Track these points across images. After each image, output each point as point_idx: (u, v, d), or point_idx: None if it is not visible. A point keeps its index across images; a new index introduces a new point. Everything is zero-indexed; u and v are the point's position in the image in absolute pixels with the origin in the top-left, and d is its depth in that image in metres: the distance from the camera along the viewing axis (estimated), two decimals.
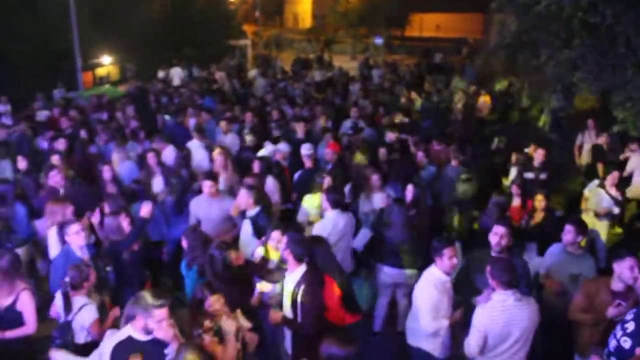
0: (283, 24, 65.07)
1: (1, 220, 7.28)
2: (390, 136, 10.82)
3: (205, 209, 7.37)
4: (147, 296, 4.36)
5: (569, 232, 6.08)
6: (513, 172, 9.80)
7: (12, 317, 5.42)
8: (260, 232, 6.61)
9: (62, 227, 6.21)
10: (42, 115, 13.62)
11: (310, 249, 5.46)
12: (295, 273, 5.31)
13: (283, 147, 9.71)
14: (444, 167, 9.60)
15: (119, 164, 9.29)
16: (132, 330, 4.41)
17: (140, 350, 4.36)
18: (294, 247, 5.26)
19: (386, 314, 7.36)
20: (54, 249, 6.57)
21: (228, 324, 4.72)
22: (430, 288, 5.36)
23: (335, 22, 42.37)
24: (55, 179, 7.86)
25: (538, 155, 9.39)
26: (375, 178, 8.06)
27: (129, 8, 27.05)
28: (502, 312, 4.94)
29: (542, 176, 9.26)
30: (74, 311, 5.27)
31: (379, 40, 35.64)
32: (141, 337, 4.40)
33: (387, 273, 6.97)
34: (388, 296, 7.25)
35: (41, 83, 17.44)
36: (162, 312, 4.30)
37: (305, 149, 9.08)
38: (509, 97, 17.83)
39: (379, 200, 7.99)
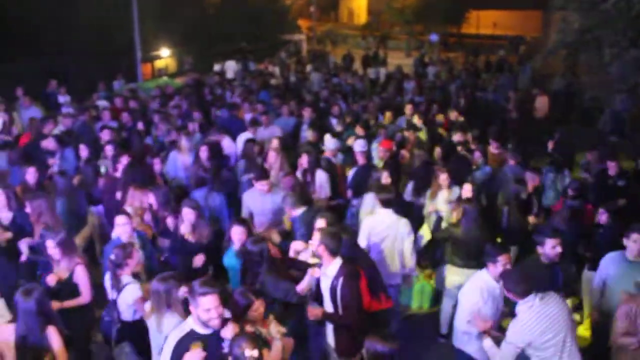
0: (338, 19, 65.00)
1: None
2: (458, 137, 10.59)
3: (259, 202, 7.41)
4: (194, 285, 4.37)
5: (635, 241, 5.85)
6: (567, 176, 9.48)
7: (69, 290, 5.85)
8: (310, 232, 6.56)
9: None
10: (102, 105, 13.96)
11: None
12: (331, 267, 5.32)
13: (331, 143, 9.62)
14: (499, 167, 9.41)
15: (188, 154, 9.44)
16: (193, 324, 4.42)
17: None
18: (328, 241, 5.25)
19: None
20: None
21: (273, 328, 4.73)
22: (476, 293, 5.33)
23: (391, 19, 42.05)
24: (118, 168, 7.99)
25: (611, 166, 8.98)
26: (443, 177, 8.01)
27: (187, 2, 27.57)
28: (536, 318, 4.86)
29: (620, 183, 8.84)
30: (120, 289, 5.50)
31: (434, 38, 35.23)
32: (202, 330, 4.38)
33: (455, 274, 6.88)
34: (453, 298, 6.99)
35: (102, 74, 17.91)
36: (207, 300, 4.25)
37: (359, 146, 9.03)
38: (569, 97, 17.34)
39: (443, 199, 7.91)
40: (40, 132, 10.61)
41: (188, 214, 6.54)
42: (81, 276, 5.86)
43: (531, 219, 7.94)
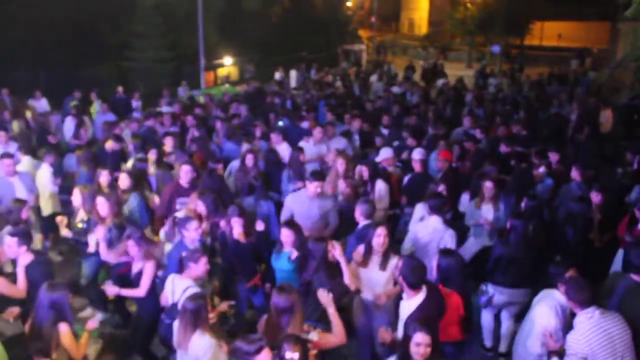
0: (398, 29, 64.92)
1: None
2: (504, 148, 10.53)
3: (305, 205, 7.38)
4: (241, 347, 4.11)
5: None
6: (636, 191, 9.10)
7: (137, 280, 6.14)
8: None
9: (181, 220, 6.58)
10: (166, 111, 14.38)
11: (439, 262, 5.51)
12: (413, 301, 5.12)
13: (387, 152, 9.65)
14: (563, 182, 9.16)
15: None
16: None
17: None
18: (407, 273, 5.09)
19: (494, 328, 7.11)
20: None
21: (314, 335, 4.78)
22: (552, 314, 5.22)
23: (452, 29, 41.74)
24: (189, 174, 8.17)
25: None
26: (489, 187, 7.85)
27: (250, 12, 28.16)
28: (595, 330, 4.76)
29: None
30: (180, 293, 5.57)
31: (496, 49, 34.78)
32: None
33: (498, 291, 6.70)
34: (493, 312, 7.00)
35: (168, 81, 18.51)
36: (262, 357, 4.10)
37: (417, 154, 9.05)
38: (636, 112, 16.78)
39: (489, 211, 7.83)
40: (110, 136, 11.03)
41: (237, 221, 6.70)
42: (147, 272, 6.09)
43: (592, 237, 7.64)
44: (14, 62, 18.95)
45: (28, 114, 13.57)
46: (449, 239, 6.65)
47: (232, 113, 13.45)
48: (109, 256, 6.73)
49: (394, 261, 5.76)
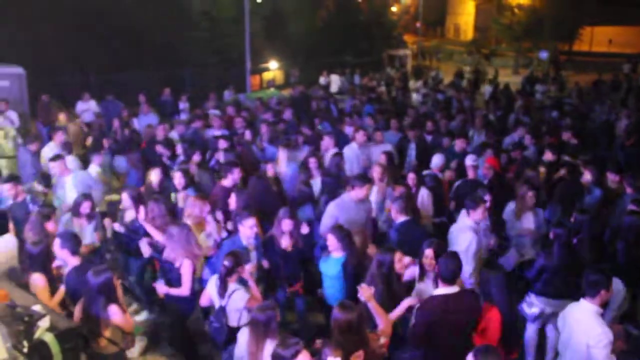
0: (444, 35, 64.53)
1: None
2: (548, 155, 10.32)
3: (353, 211, 7.31)
4: (278, 351, 4.26)
5: None
6: None
7: (177, 278, 6.26)
8: (403, 243, 6.57)
9: (237, 216, 6.68)
10: (212, 114, 14.60)
11: (483, 276, 5.43)
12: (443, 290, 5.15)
13: (438, 159, 9.62)
14: (615, 193, 8.93)
15: (285, 166, 9.63)
16: None
17: None
18: (443, 268, 5.09)
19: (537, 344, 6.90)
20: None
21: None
22: (599, 323, 5.02)
23: (499, 35, 41.25)
24: (234, 176, 8.29)
25: None
26: (529, 196, 7.71)
27: (296, 17, 28.42)
28: None
29: None
30: (227, 296, 5.67)
31: (544, 55, 34.21)
32: None
33: (542, 302, 6.55)
34: (537, 326, 6.80)
35: (214, 84, 18.81)
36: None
37: (470, 160, 9.02)
38: None
39: (529, 221, 7.71)
40: (153, 137, 11.28)
41: (287, 224, 6.73)
42: (186, 270, 6.19)
43: None
44: (64, 66, 19.53)
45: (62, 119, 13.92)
46: (464, 240, 6.52)
47: (279, 118, 13.57)
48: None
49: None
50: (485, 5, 53.08)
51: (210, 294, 5.91)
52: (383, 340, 4.92)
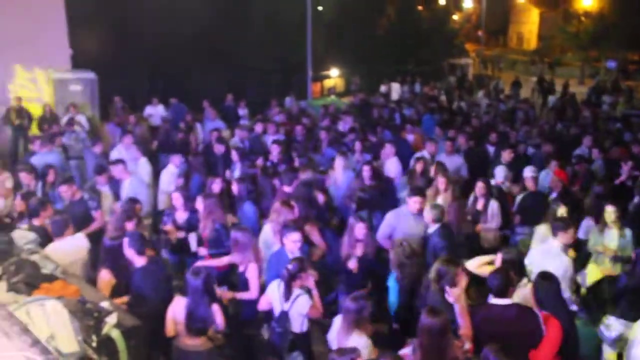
0: (506, 43, 63.38)
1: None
2: (625, 168, 10.00)
3: (410, 223, 7.23)
4: (333, 355, 4.39)
5: None
6: None
7: (243, 282, 6.38)
8: (437, 251, 6.50)
9: (283, 229, 6.66)
10: (274, 120, 14.75)
11: (536, 284, 5.30)
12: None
13: (501, 171, 9.43)
14: None
15: (342, 173, 9.62)
16: None
17: None
18: (492, 280, 5.08)
19: None
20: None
21: None
22: None
23: (564, 44, 40.17)
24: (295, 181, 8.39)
25: None
26: (610, 211, 7.41)
27: (357, 25, 28.47)
28: None
29: None
30: (291, 301, 5.66)
31: (612, 64, 33.09)
32: None
33: (622, 325, 6.19)
34: (615, 349, 6.38)
35: (275, 91, 19.03)
36: None
37: (529, 171, 8.81)
38: None
39: (612, 237, 7.42)
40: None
41: (361, 229, 6.69)
42: (252, 274, 6.28)
43: None
44: (134, 71, 20.17)
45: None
46: (560, 265, 6.28)
47: (339, 125, 13.61)
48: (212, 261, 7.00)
49: (523, 282, 5.64)
50: (551, 13, 51.88)
51: (270, 299, 5.90)
52: (468, 345, 4.84)
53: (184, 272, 7.88)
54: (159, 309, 5.70)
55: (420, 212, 7.20)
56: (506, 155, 10.42)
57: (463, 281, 5.38)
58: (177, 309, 5.52)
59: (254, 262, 6.34)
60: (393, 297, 6.31)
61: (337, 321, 5.20)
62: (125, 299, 5.91)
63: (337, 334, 5.04)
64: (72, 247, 6.62)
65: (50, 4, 15.32)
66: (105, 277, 6.08)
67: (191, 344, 5.51)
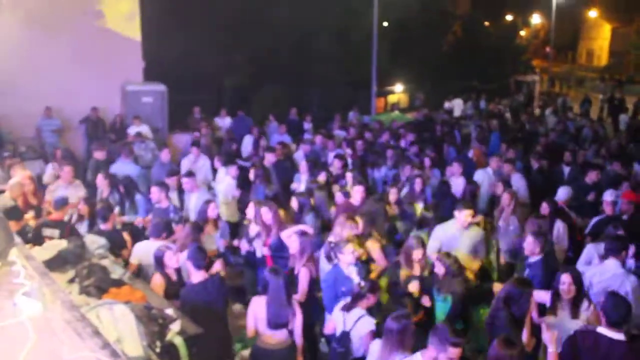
0: (575, 60, 61.65)
1: None
2: None
3: (454, 237, 7.24)
4: (446, 330, 4.43)
5: None
6: None
7: (295, 283, 6.50)
8: (544, 281, 6.27)
9: (336, 244, 6.67)
10: (338, 134, 14.86)
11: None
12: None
13: (564, 192, 9.18)
14: None
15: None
16: None
17: None
18: (609, 309, 4.73)
19: None
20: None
21: None
22: None
23: (637, 61, 38.79)
24: (360, 194, 8.44)
25: None
26: None
27: (423, 40, 28.38)
28: None
29: None
30: (353, 322, 5.60)
31: None
32: None
33: None
34: None
35: (340, 105, 19.18)
36: (456, 351, 4.34)
37: (609, 195, 8.54)
38: None
39: None
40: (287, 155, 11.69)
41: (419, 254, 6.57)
42: (303, 277, 6.44)
43: None
44: (203, 85, 20.74)
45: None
46: (629, 285, 6.11)
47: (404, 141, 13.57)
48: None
49: (586, 306, 5.47)
50: (623, 29, 50.21)
51: (335, 321, 5.88)
52: None
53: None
54: (210, 326, 5.78)
55: (468, 226, 7.21)
56: (593, 176, 10.12)
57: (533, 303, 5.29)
58: (258, 307, 5.71)
59: (307, 267, 6.48)
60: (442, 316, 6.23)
61: (376, 346, 5.04)
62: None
63: (381, 356, 4.85)
64: None
65: (126, 20, 15.91)
66: (158, 281, 6.30)
67: (273, 342, 5.71)
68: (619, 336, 4.64)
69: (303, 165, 10.49)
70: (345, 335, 5.63)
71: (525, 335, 5.30)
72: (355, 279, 6.19)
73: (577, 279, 5.55)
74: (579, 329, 5.04)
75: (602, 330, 4.72)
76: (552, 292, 5.67)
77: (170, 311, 5.39)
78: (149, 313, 5.24)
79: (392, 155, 11.47)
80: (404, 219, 8.73)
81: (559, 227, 7.84)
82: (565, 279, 5.52)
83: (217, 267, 6.73)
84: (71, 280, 5.40)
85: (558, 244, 7.71)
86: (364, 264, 6.93)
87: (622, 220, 8.15)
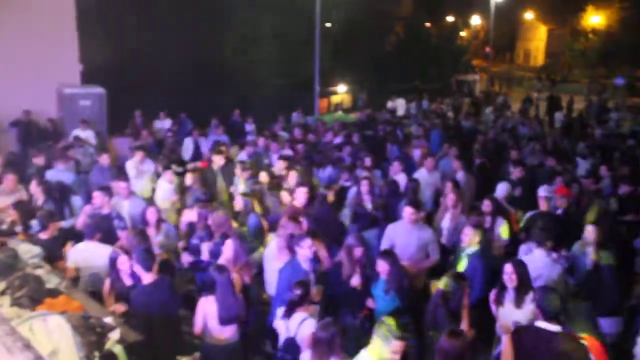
0: (513, 60, 63.51)
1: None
2: (625, 189, 9.91)
3: (404, 235, 7.31)
4: (390, 323, 4.48)
5: None
6: None
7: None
8: (484, 271, 6.46)
9: (292, 238, 6.66)
10: (281, 135, 14.80)
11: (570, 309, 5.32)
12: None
13: (503, 189, 9.41)
14: None
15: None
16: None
17: None
18: (543, 304, 4.89)
19: None
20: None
21: None
22: None
23: (571, 61, 40.24)
24: (304, 195, 8.39)
25: None
26: (589, 231, 7.20)
27: (365, 41, 28.63)
28: None
29: None
30: (296, 326, 5.53)
31: (619, 81, 32.97)
32: None
33: None
34: None
35: (283, 107, 19.16)
36: (399, 344, 4.39)
37: (543, 191, 8.74)
38: None
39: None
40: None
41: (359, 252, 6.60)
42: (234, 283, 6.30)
43: None
44: (143, 87, 20.29)
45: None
46: (555, 273, 6.37)
47: (342, 141, 13.62)
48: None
49: (531, 297, 5.55)
50: (558, 31, 52.01)
51: (278, 329, 5.82)
52: None
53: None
54: (161, 325, 5.74)
55: (416, 225, 7.31)
56: (517, 172, 10.39)
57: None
58: (207, 306, 5.72)
59: (239, 276, 6.36)
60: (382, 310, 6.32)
61: (306, 356, 4.97)
62: (123, 307, 5.96)
63: None
64: (100, 253, 6.71)
65: (62, 21, 15.48)
66: (108, 287, 6.21)
67: (222, 338, 5.75)
68: (556, 328, 4.80)
69: (239, 168, 10.40)
70: (291, 342, 5.56)
71: (464, 327, 5.44)
72: (311, 274, 6.27)
73: (519, 269, 5.72)
74: (519, 325, 5.19)
75: (541, 324, 4.87)
76: (498, 284, 5.84)
77: (109, 319, 5.27)
78: (87, 322, 5.10)
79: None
80: (354, 220, 8.76)
81: (500, 223, 8.01)
82: (507, 268, 5.72)
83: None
84: (2, 293, 5.20)
85: (498, 240, 7.89)
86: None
87: (554, 215, 8.42)
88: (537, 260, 6.50)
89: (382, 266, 6.22)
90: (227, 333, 5.77)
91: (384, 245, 7.39)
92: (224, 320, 5.66)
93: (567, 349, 4.65)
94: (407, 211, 7.31)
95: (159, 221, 7.93)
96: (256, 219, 8.19)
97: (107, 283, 6.24)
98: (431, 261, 7.38)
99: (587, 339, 4.89)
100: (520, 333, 4.90)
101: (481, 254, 6.72)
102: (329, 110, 25.05)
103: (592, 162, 12.31)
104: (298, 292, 5.61)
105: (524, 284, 5.70)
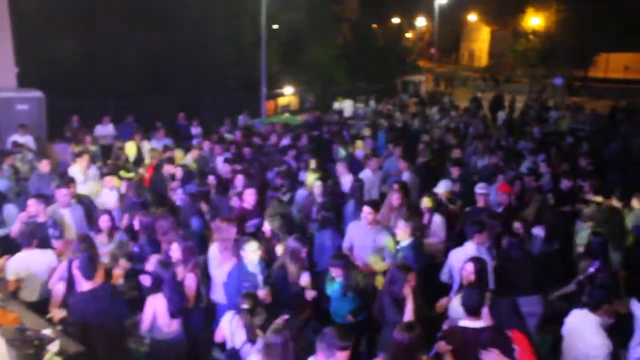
0: (458, 61, 64.78)
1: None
2: (566, 183, 10.27)
3: (361, 235, 7.36)
4: (333, 334, 4.35)
5: None
6: None
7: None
8: (417, 262, 6.64)
9: (241, 240, 6.52)
10: (228, 138, 14.67)
11: (494, 304, 5.33)
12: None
13: (444, 185, 9.58)
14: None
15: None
16: None
17: None
18: (465, 300, 4.96)
19: None
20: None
21: None
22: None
23: (513, 61, 41.31)
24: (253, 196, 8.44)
25: None
26: (516, 227, 7.69)
27: (313, 43, 28.70)
28: None
29: None
30: (242, 340, 5.40)
31: (558, 81, 34.03)
32: None
33: None
34: None
35: (230, 109, 19.01)
36: (344, 355, 4.29)
37: (480, 188, 8.95)
38: None
39: None
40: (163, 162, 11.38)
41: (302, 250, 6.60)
42: (189, 283, 6.27)
43: None
44: (85, 91, 19.78)
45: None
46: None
47: (290, 143, 13.60)
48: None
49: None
50: (501, 32, 53.29)
51: (224, 332, 5.62)
52: None
53: None
54: (100, 334, 5.63)
55: (373, 226, 7.31)
56: (455, 171, 10.61)
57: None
58: (157, 303, 5.77)
59: (194, 274, 6.37)
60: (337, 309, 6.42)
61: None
62: (63, 313, 5.87)
63: None
64: (41, 260, 6.59)
65: None
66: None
67: (169, 331, 5.85)
68: (479, 324, 4.90)
69: (179, 172, 10.27)
70: (235, 353, 5.45)
71: (408, 314, 5.48)
72: (259, 276, 6.25)
73: (478, 267, 5.82)
74: (445, 327, 5.28)
75: (465, 322, 4.97)
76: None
77: (47, 331, 5.12)
78: (23, 335, 4.97)
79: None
80: (309, 221, 8.84)
81: (436, 221, 8.14)
82: (467, 267, 5.87)
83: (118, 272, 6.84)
84: None
85: (434, 236, 8.01)
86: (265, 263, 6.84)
87: (490, 210, 8.62)
88: (469, 252, 6.65)
89: (335, 272, 6.23)
90: (174, 326, 5.89)
91: (345, 244, 7.51)
92: (174, 314, 5.79)
93: (493, 343, 4.76)
94: (365, 211, 7.34)
95: (113, 229, 7.77)
96: (199, 222, 8.06)
97: (55, 289, 6.12)
98: (382, 266, 7.25)
99: (512, 332, 5.01)
100: (448, 335, 4.97)
101: (413, 245, 6.88)
102: (276, 112, 24.98)
103: (533, 159, 12.64)
104: (245, 305, 5.38)
105: (481, 283, 5.75)
